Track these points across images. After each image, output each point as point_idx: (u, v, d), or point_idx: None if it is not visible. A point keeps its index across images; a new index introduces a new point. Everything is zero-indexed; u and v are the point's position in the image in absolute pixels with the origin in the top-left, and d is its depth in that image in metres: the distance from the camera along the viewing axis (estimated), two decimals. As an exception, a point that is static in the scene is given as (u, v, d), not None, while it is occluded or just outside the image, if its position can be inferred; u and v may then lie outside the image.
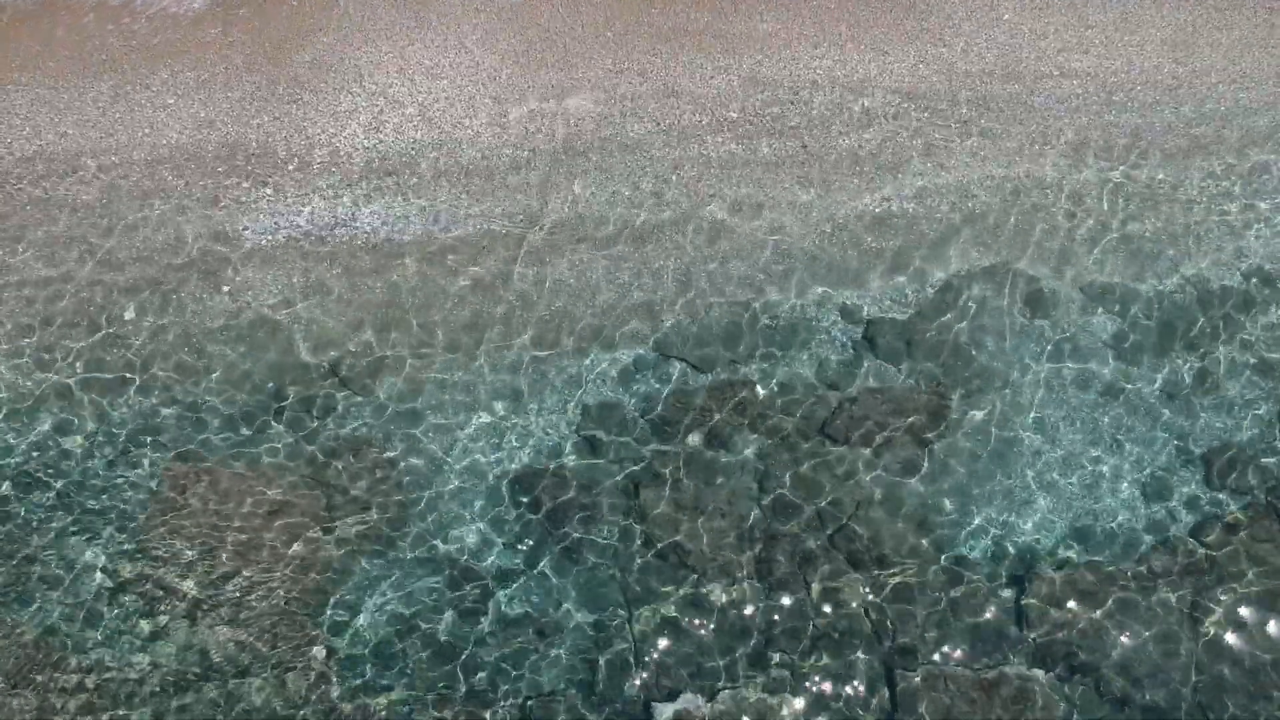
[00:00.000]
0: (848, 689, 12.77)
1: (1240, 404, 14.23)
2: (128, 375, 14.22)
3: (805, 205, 15.14)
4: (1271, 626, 12.86)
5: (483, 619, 13.23)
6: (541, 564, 13.45)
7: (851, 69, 16.01)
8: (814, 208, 15.12)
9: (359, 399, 14.20)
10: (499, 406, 14.20)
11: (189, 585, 13.28)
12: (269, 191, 15.23)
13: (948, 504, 13.64)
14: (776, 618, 13.07)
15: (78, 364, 14.24)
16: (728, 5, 16.46)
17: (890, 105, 15.75)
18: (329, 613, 13.22)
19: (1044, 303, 14.66)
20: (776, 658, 12.91)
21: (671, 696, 12.70)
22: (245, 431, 14.02)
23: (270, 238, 14.94)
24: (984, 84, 15.89)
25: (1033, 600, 13.00)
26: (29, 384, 14.15)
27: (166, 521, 13.53)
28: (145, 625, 13.11)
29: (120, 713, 12.70)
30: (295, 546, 13.46)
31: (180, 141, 15.52)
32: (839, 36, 16.29)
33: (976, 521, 13.58)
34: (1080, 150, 15.47)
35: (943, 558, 13.36)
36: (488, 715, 12.73)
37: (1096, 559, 13.32)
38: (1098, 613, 12.93)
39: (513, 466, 13.96)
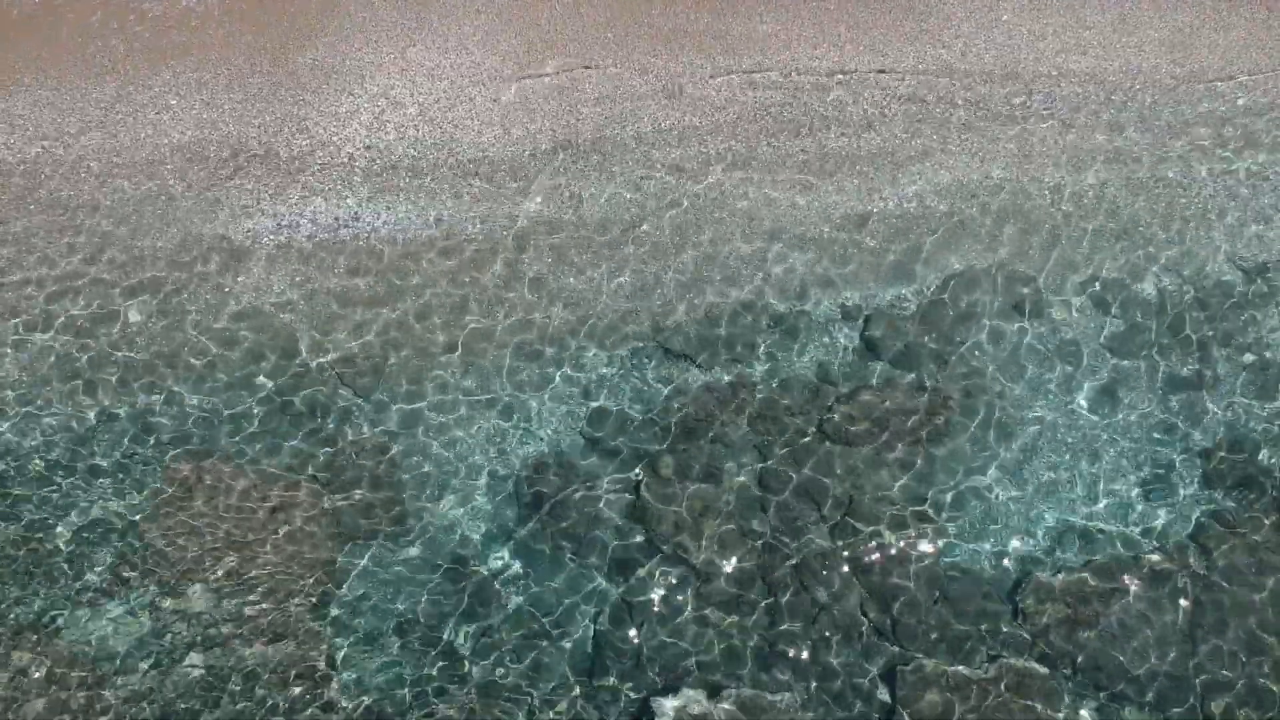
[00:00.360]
0: (846, 684, 12.81)
1: (1236, 402, 14.28)
2: (131, 373, 14.29)
3: (804, 205, 15.20)
4: (1268, 624, 12.90)
5: (483, 614, 13.28)
6: (542, 560, 13.50)
7: (850, 70, 16.08)
8: (813, 208, 15.19)
9: (360, 396, 14.26)
10: (499, 403, 14.27)
11: (189, 580, 13.33)
12: (271, 192, 15.29)
13: (946, 500, 13.70)
14: (775, 613, 13.12)
15: (81, 362, 14.30)
16: (727, 6, 16.52)
17: (889, 106, 15.81)
18: (329, 607, 13.28)
19: (1041, 301, 14.72)
20: (776, 653, 12.96)
21: (672, 691, 12.75)
22: (247, 429, 14.09)
23: (272, 238, 15.00)
24: (982, 85, 15.96)
25: (1030, 596, 13.05)
26: (33, 381, 14.22)
27: (168, 517, 13.60)
28: (145, 619, 13.17)
29: (119, 706, 12.76)
30: (296, 541, 13.52)
31: (182, 142, 15.59)
32: (838, 38, 16.36)
33: (975, 518, 13.63)
34: (1078, 151, 15.53)
35: (941, 554, 13.41)
36: (488, 710, 12.78)
37: (1094, 556, 13.37)
38: (1095, 609, 12.98)
39: (513, 463, 14.02)
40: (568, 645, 13.14)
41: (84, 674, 12.86)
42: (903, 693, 12.62)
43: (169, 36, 16.31)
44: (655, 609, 13.20)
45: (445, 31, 16.40)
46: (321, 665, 12.97)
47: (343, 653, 13.12)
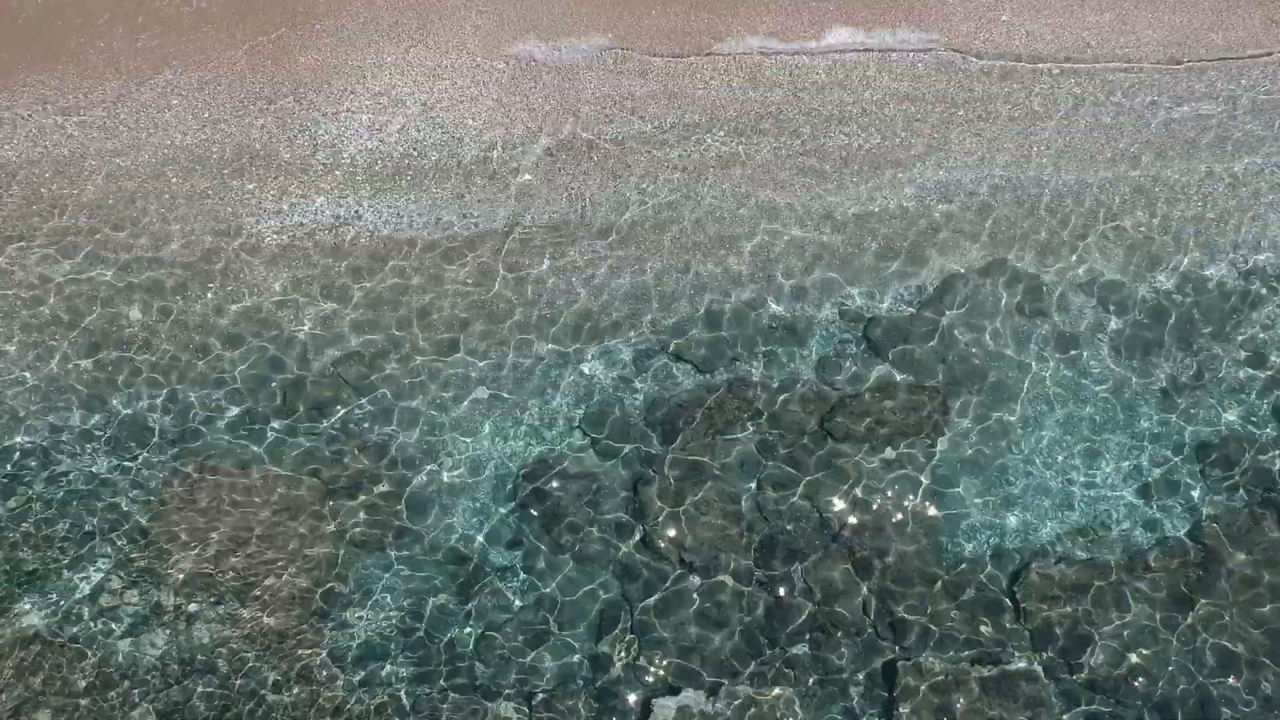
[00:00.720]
0: (847, 683, 12.90)
1: (1234, 398, 14.36)
2: (133, 373, 14.36)
3: (804, 203, 15.26)
4: (1265, 619, 13.00)
5: (484, 613, 13.37)
6: (542, 558, 13.58)
7: (850, 69, 16.13)
8: (813, 206, 15.25)
9: (362, 394, 14.34)
10: (500, 402, 14.34)
11: (192, 578, 13.41)
12: (273, 191, 15.34)
13: (946, 498, 13.78)
14: (776, 613, 13.21)
15: (83, 362, 14.37)
16: (727, 7, 16.56)
17: (888, 105, 15.87)
18: (331, 605, 13.37)
19: (1041, 298, 14.79)
20: (777, 653, 13.04)
21: (673, 692, 12.84)
22: (249, 427, 14.16)
23: (275, 236, 15.06)
24: (982, 84, 16.01)
25: (1030, 594, 13.14)
26: (36, 382, 14.28)
27: (171, 515, 13.67)
28: (148, 617, 13.25)
29: (125, 702, 12.84)
30: (297, 540, 13.60)
31: (185, 142, 15.63)
32: (838, 37, 16.40)
33: (974, 516, 13.72)
34: (1077, 149, 15.60)
35: (941, 553, 13.50)
36: (489, 709, 12.87)
37: (1093, 554, 13.46)
38: (1094, 607, 13.07)
39: (513, 461, 14.10)
40: (568, 642, 13.23)
41: (86, 665, 12.95)
42: (902, 689, 12.72)
43: (172, 37, 16.33)
44: (656, 608, 13.28)
45: (446, 32, 16.44)
46: (323, 657, 13.07)
47: (344, 646, 13.21)
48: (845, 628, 13.12)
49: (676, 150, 15.61)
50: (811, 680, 12.92)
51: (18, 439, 14.04)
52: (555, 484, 13.89)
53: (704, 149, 15.60)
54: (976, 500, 13.78)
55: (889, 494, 13.78)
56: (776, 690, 12.81)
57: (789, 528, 13.62)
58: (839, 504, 13.73)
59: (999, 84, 15.96)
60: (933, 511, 13.72)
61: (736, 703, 12.71)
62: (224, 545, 13.54)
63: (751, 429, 14.14)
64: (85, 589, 13.41)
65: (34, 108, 15.75)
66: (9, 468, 13.89)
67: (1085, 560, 13.39)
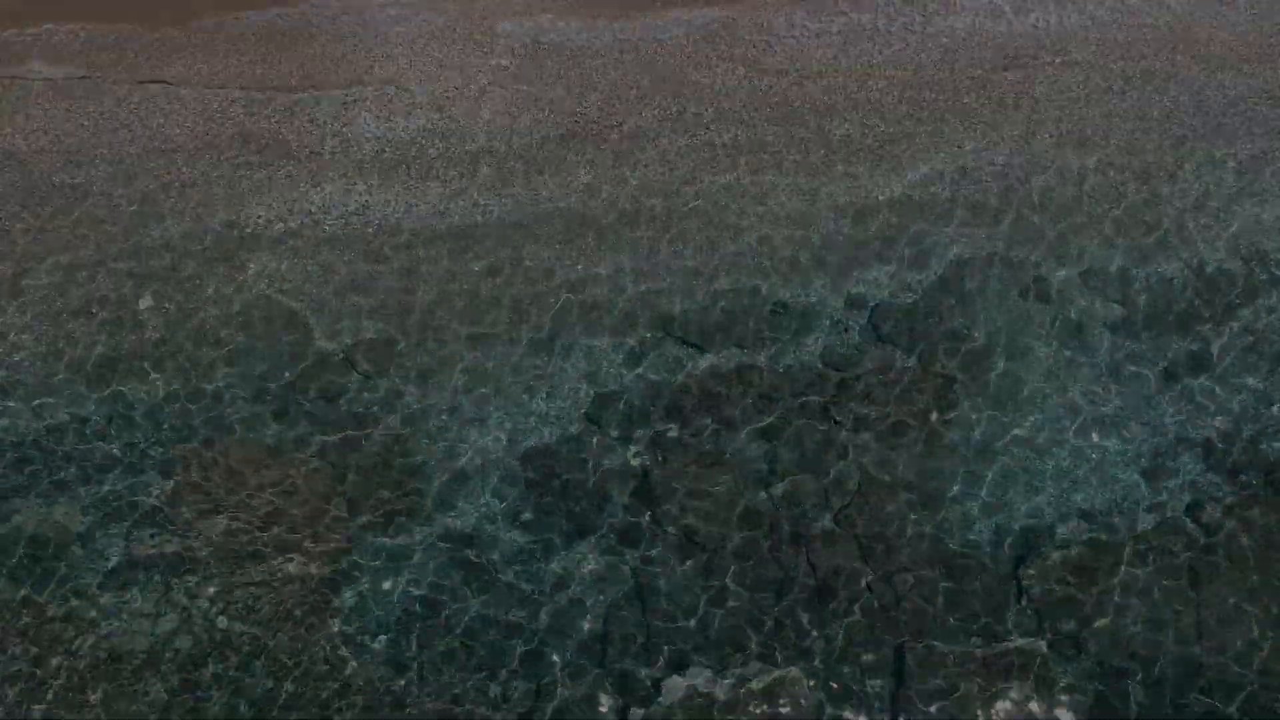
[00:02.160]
0: (853, 663, 12.97)
1: (1233, 384, 14.43)
2: (144, 360, 14.44)
3: (809, 191, 15.34)
4: (1264, 606, 13.05)
5: (495, 593, 13.44)
6: (552, 541, 13.65)
7: (854, 59, 16.23)
8: (818, 194, 15.33)
9: (371, 381, 14.41)
10: (509, 388, 14.41)
11: (204, 564, 13.48)
12: (282, 180, 15.44)
13: (949, 482, 13.84)
14: (782, 593, 13.28)
15: (96, 349, 14.45)
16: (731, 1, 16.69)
17: (892, 94, 15.96)
18: (343, 589, 13.44)
19: (1044, 286, 14.86)
20: (783, 633, 13.11)
21: (681, 670, 12.91)
22: (260, 415, 14.23)
23: (284, 225, 15.15)
24: (985, 74, 16.10)
25: (1034, 576, 13.20)
26: (49, 368, 14.36)
27: (181, 502, 13.75)
28: (161, 603, 13.32)
29: (138, 685, 12.91)
30: (309, 525, 13.67)
31: (194, 132, 15.74)
32: (840, 29, 16.51)
33: (978, 499, 13.78)
34: (1079, 138, 15.68)
35: (945, 535, 13.56)
36: (499, 688, 12.93)
37: (1096, 537, 13.52)
38: (1097, 589, 13.13)
39: (523, 445, 14.17)
40: (580, 626, 13.30)
41: (100, 655, 13.02)
42: (909, 669, 12.78)
43: (182, 29, 16.44)
44: (664, 588, 13.34)
45: (454, 22, 16.54)
46: (335, 646, 13.14)
47: (358, 638, 13.28)
48: (849, 607, 13.17)
49: (683, 139, 15.70)
50: (818, 659, 12.99)
51: (26, 426, 14.11)
52: (563, 466, 13.94)
53: (709, 137, 15.69)
54: (980, 481, 13.83)
55: (893, 475, 13.83)
56: (782, 669, 12.87)
57: (794, 509, 13.68)
58: (843, 484, 13.78)
59: (1002, 74, 16.05)
60: (937, 493, 13.77)
61: (743, 681, 12.77)
62: (235, 530, 13.60)
63: (757, 413, 14.21)
64: (97, 568, 13.49)
65: (46, 98, 15.85)
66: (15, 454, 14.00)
67: (1087, 540, 13.44)
